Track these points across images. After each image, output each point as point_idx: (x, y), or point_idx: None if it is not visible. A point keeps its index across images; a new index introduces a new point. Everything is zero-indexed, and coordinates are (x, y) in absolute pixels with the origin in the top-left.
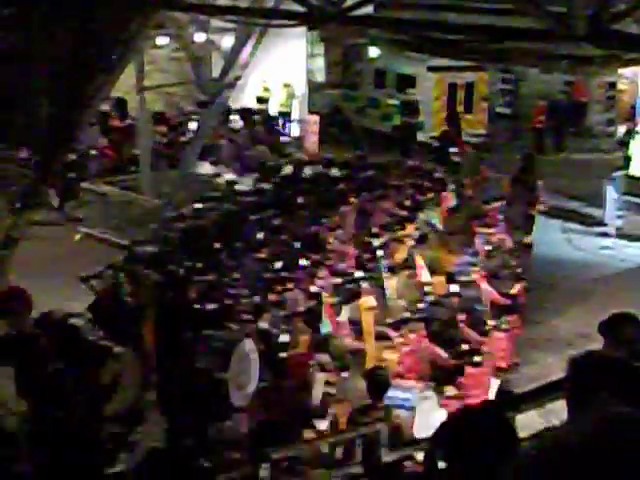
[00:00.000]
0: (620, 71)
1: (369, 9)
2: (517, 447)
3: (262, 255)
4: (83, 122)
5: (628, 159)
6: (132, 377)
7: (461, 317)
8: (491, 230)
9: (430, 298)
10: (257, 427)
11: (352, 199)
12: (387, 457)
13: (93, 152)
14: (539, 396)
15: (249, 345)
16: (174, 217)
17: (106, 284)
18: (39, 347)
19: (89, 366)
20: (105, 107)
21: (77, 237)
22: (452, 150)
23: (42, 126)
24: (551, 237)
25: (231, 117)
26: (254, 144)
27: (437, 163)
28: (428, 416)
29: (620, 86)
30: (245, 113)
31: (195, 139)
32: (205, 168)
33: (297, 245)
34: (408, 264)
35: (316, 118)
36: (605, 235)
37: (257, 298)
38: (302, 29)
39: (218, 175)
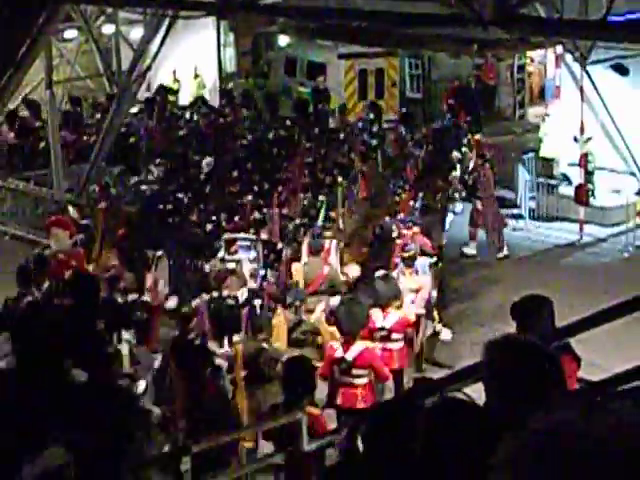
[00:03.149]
0: (529, 54)
1: None
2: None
3: None
4: None
5: (539, 141)
6: None
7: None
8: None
9: None
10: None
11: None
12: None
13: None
14: (455, 381)
15: None
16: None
17: None
18: None
19: None
20: (13, 105)
21: None
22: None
23: None
24: (464, 218)
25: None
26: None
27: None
28: None
29: (529, 69)
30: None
31: (106, 132)
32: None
33: None
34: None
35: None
36: (518, 217)
37: None
38: (211, 19)
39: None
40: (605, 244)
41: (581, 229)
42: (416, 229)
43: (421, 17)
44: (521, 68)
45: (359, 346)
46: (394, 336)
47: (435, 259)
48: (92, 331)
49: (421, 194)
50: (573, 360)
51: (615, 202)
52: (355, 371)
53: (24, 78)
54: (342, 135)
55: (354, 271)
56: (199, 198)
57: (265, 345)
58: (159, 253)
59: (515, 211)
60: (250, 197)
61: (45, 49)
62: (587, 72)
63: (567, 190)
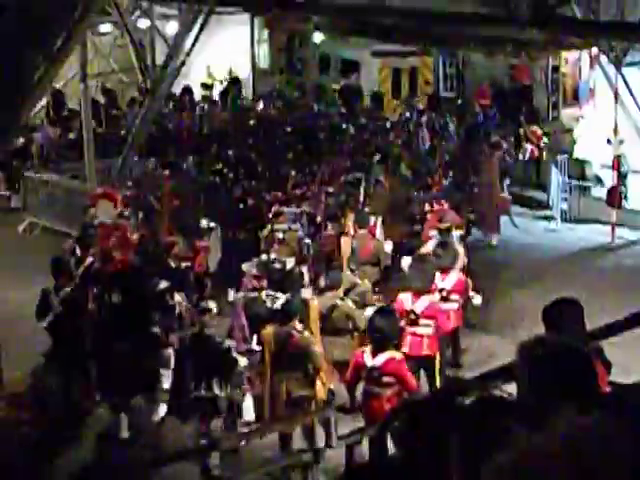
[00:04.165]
0: (563, 54)
1: None
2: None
3: None
4: (25, 112)
5: (573, 142)
6: None
7: None
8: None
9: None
10: None
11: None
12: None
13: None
14: (487, 381)
15: None
16: None
17: None
18: None
19: None
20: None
21: (22, 227)
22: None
23: None
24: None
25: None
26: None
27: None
28: None
29: (563, 70)
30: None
31: (139, 126)
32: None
33: None
34: None
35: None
36: (550, 218)
37: None
38: (246, 15)
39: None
40: (637, 247)
41: (613, 232)
42: (446, 205)
43: (457, 16)
44: (555, 69)
45: (385, 355)
46: (423, 322)
47: (464, 232)
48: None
49: (451, 173)
50: (602, 365)
51: None
52: (383, 379)
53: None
54: (388, 124)
55: (387, 246)
56: (252, 175)
57: (339, 302)
58: (212, 224)
59: (547, 213)
60: (293, 173)
61: (80, 43)
62: (622, 74)
63: (600, 192)
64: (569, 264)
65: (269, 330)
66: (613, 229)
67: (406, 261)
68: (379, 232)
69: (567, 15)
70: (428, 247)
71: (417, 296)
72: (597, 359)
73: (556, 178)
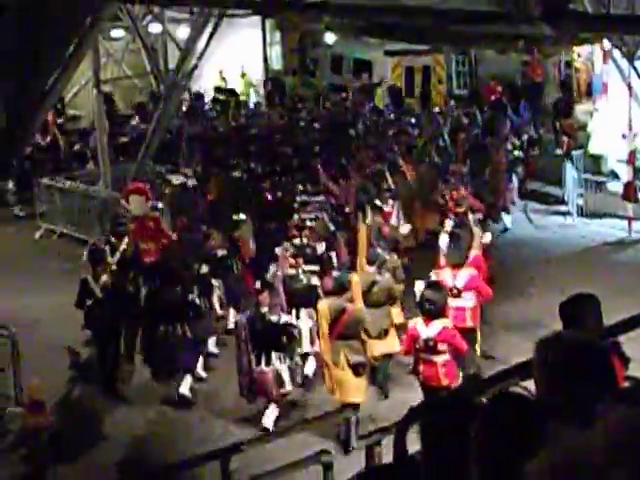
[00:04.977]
0: (576, 49)
1: None
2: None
3: None
4: (38, 119)
5: (587, 137)
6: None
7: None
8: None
9: None
10: None
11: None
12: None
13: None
14: (505, 379)
15: None
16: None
17: None
18: None
19: None
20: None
21: (38, 234)
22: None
23: None
24: (512, 217)
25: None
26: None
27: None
28: None
29: (576, 65)
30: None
31: (153, 130)
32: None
33: None
34: None
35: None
36: (566, 214)
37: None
38: (257, 17)
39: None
40: None
41: (630, 226)
42: (464, 191)
43: (468, 14)
44: (568, 64)
45: (438, 325)
46: (465, 295)
47: (483, 216)
48: None
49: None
50: (620, 360)
51: None
52: (438, 347)
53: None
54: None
55: (405, 229)
56: (285, 170)
57: (378, 277)
58: (243, 217)
59: (563, 208)
60: (319, 165)
61: (93, 48)
62: (635, 68)
63: (615, 187)
64: (586, 259)
65: (324, 304)
66: (630, 223)
67: (419, 286)
68: (395, 217)
69: (578, 10)
70: (446, 227)
71: (456, 271)
72: (614, 354)
73: (571, 173)
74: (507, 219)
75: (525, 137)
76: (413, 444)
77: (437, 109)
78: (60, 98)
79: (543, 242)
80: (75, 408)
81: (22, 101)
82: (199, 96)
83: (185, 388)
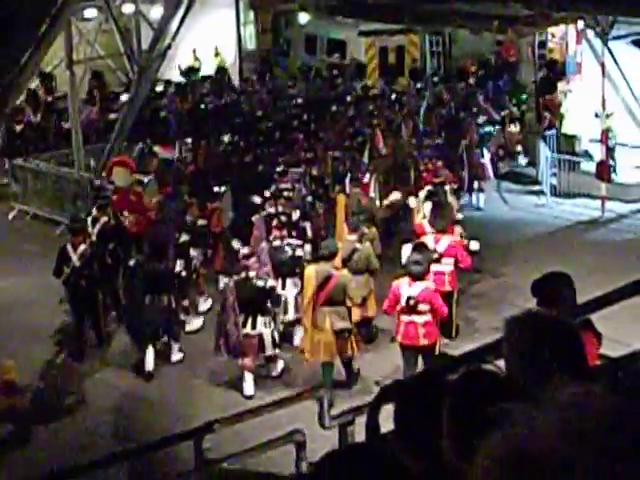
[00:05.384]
0: (550, 30)
1: None
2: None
3: None
4: (11, 99)
5: (561, 117)
6: None
7: None
8: None
9: None
10: None
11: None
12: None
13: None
14: (476, 357)
15: None
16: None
17: None
18: None
19: None
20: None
21: (11, 215)
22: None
23: None
24: (486, 196)
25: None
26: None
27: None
28: None
29: (550, 45)
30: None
31: (127, 111)
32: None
33: None
34: None
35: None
36: (539, 193)
37: None
38: None
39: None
40: (627, 220)
41: (603, 205)
42: (439, 163)
43: None
44: (542, 44)
45: (421, 285)
46: (445, 260)
47: (456, 187)
48: None
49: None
50: (594, 336)
51: (637, 178)
52: (419, 307)
53: (44, 57)
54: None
55: (395, 195)
56: (264, 143)
57: (358, 245)
58: (223, 188)
59: (536, 188)
60: (301, 136)
61: (65, 28)
62: (608, 48)
63: (589, 166)
64: (559, 238)
65: (311, 268)
66: (603, 203)
67: (406, 249)
68: (372, 190)
69: None
70: (420, 197)
71: (439, 236)
72: (588, 331)
73: (545, 153)
74: (481, 198)
75: (505, 112)
76: (386, 423)
77: (418, 85)
78: (50, 76)
79: (517, 222)
80: (51, 385)
81: None
82: (189, 72)
83: (176, 356)
